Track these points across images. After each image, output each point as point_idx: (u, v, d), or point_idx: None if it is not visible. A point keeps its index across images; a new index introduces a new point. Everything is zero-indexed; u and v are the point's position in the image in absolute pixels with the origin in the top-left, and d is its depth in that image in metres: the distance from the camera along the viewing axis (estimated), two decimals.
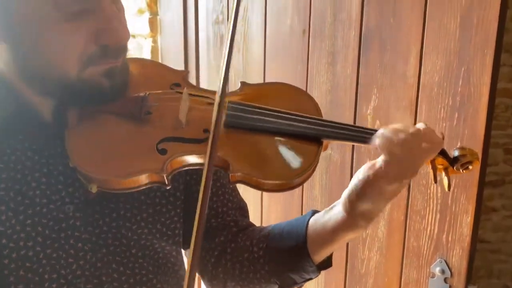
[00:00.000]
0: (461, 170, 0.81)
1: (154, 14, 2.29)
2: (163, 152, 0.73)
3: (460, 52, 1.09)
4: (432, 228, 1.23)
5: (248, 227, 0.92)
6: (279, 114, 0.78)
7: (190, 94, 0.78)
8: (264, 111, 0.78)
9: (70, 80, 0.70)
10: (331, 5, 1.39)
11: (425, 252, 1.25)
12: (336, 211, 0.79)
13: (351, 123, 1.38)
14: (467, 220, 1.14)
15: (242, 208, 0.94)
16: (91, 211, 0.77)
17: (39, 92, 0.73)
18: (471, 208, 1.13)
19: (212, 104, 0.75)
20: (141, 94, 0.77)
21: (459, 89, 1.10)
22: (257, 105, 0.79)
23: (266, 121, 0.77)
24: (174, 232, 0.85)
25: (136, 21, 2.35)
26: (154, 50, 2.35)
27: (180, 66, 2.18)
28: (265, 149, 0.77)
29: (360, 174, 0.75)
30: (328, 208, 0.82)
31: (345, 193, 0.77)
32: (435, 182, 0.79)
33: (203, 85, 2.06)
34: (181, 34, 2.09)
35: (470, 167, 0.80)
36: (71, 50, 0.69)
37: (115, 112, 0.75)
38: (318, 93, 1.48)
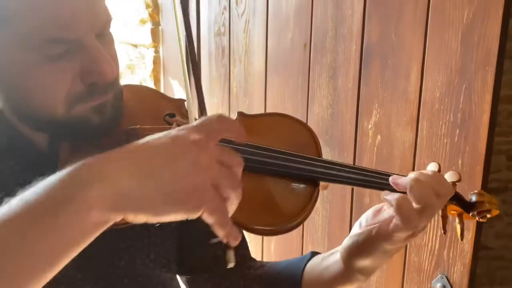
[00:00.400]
0: (477, 218, 0.73)
1: (156, 24, 2.30)
2: None
3: (461, 69, 1.09)
4: (433, 244, 1.22)
5: (245, 262, 0.90)
6: (272, 154, 0.73)
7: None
8: (255, 150, 0.72)
9: (58, 119, 0.69)
10: (332, 19, 1.40)
11: (426, 267, 1.25)
12: (334, 260, 0.77)
13: (353, 137, 1.38)
14: (468, 237, 1.14)
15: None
16: None
17: (32, 128, 0.73)
18: (473, 225, 1.12)
19: None
20: (132, 128, 0.75)
21: (461, 106, 1.10)
22: (248, 143, 0.73)
23: (256, 161, 0.72)
24: (169, 261, 0.84)
25: (138, 31, 2.35)
26: (156, 60, 2.35)
27: (181, 77, 2.18)
28: (255, 191, 0.71)
29: (363, 222, 0.73)
30: (327, 254, 0.80)
31: (346, 244, 0.74)
32: (444, 232, 0.73)
33: (205, 97, 2.06)
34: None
35: (488, 215, 0.73)
36: (56, 92, 0.67)
37: (106, 147, 0.74)
38: (319, 107, 1.48)
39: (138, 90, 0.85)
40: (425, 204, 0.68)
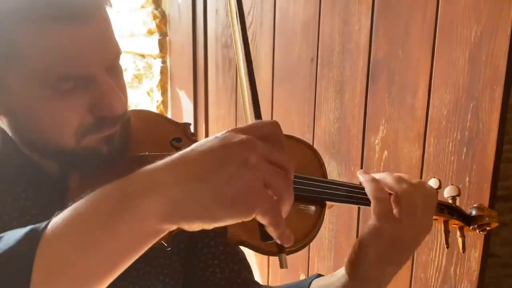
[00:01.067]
0: (477, 231, 0.75)
1: (163, 34, 2.31)
2: None
3: (469, 87, 1.09)
4: (440, 260, 1.22)
5: (248, 285, 0.90)
6: None
7: None
8: None
9: (68, 149, 0.70)
10: (339, 34, 1.40)
11: (432, 284, 1.24)
12: (340, 275, 0.77)
13: (359, 152, 1.38)
14: (475, 255, 1.14)
15: (243, 260, 0.92)
16: None
17: (42, 157, 0.74)
18: (480, 243, 1.12)
19: None
20: (141, 155, 0.75)
21: (468, 124, 1.10)
22: None
23: None
24: (177, 282, 0.84)
25: (146, 41, 2.37)
26: (163, 70, 2.36)
27: (189, 87, 2.18)
28: None
29: None
30: (335, 273, 0.80)
31: (348, 256, 0.74)
32: (447, 246, 0.73)
33: (212, 108, 2.06)
34: (190, 56, 2.11)
35: (488, 228, 0.75)
36: (67, 125, 0.68)
37: (115, 175, 0.74)
38: (326, 121, 1.48)
39: (144, 115, 0.86)
40: (397, 188, 0.69)
